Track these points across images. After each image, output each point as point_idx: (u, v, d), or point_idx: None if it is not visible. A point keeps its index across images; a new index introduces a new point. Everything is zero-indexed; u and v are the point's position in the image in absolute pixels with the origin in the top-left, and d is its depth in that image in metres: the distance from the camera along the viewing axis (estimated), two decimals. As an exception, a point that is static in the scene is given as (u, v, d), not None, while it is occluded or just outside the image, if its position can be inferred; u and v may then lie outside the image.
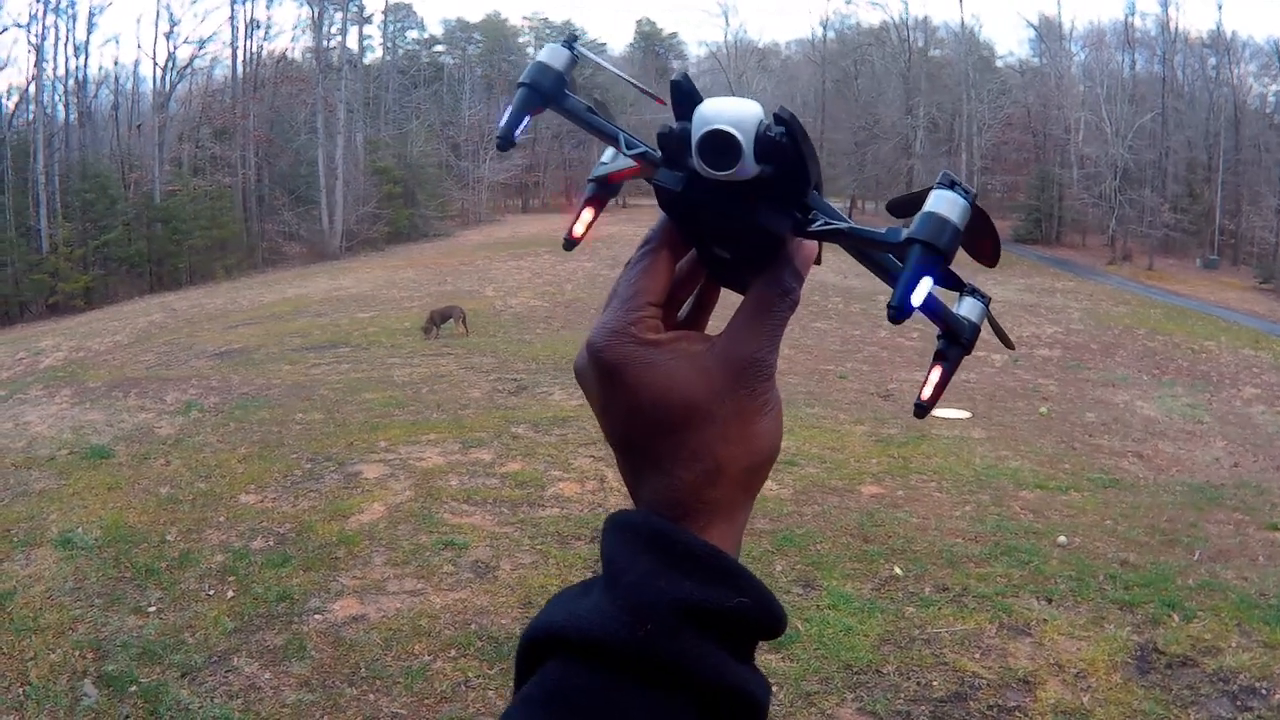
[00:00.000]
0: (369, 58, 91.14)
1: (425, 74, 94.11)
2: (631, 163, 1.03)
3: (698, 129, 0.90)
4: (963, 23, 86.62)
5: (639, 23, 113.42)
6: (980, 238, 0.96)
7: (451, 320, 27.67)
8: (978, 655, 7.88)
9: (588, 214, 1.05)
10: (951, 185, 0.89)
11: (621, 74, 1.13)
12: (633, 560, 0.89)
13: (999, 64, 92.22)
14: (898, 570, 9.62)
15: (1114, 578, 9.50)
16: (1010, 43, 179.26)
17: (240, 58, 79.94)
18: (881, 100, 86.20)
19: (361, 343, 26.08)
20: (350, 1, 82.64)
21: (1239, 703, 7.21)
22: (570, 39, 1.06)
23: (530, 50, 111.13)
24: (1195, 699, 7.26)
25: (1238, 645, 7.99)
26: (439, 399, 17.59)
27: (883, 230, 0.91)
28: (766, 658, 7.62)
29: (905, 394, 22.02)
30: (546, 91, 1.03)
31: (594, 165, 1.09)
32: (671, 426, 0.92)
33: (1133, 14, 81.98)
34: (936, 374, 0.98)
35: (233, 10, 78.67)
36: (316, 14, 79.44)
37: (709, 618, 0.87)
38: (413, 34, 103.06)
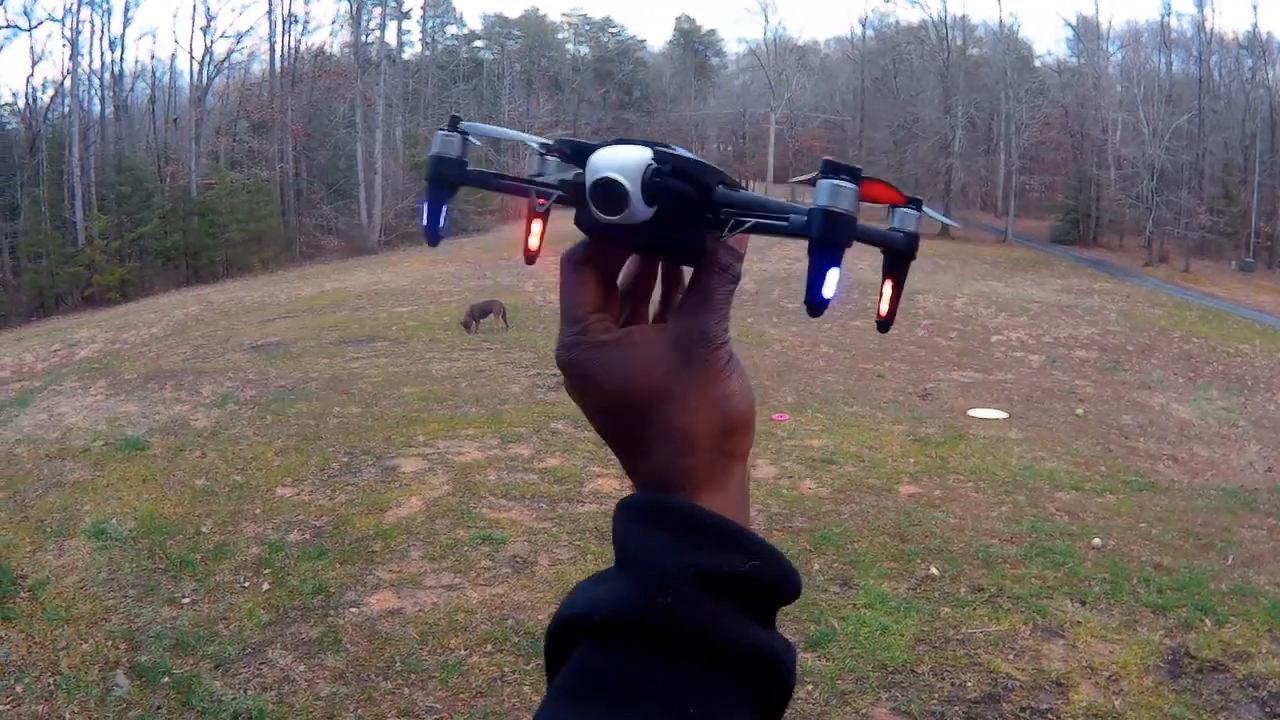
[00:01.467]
0: (408, 53, 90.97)
1: (464, 69, 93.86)
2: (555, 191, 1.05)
3: (588, 178, 0.94)
4: (1001, 22, 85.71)
5: (678, 19, 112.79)
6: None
7: (491, 315, 27.68)
8: (1011, 656, 7.92)
9: (537, 226, 1.08)
10: (835, 172, 0.92)
11: (512, 134, 1.14)
12: (642, 538, 0.92)
13: (1037, 63, 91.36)
14: (934, 570, 9.67)
15: (1147, 581, 9.51)
16: (1048, 42, 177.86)
17: (278, 52, 79.94)
18: (920, 99, 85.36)
19: (400, 337, 26.14)
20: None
21: (1268, 709, 7.22)
22: (453, 121, 1.06)
23: (569, 47, 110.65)
24: (1225, 704, 7.27)
25: (1268, 651, 8.00)
26: (478, 394, 17.65)
27: (786, 220, 0.95)
28: (802, 657, 7.70)
29: (943, 393, 22.06)
30: (451, 179, 1.05)
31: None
32: (639, 412, 0.97)
33: (1169, 14, 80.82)
34: (889, 288, 1.01)
35: (270, 5, 78.59)
36: (355, 9, 79.53)
37: (725, 584, 0.89)
38: (452, 29, 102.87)
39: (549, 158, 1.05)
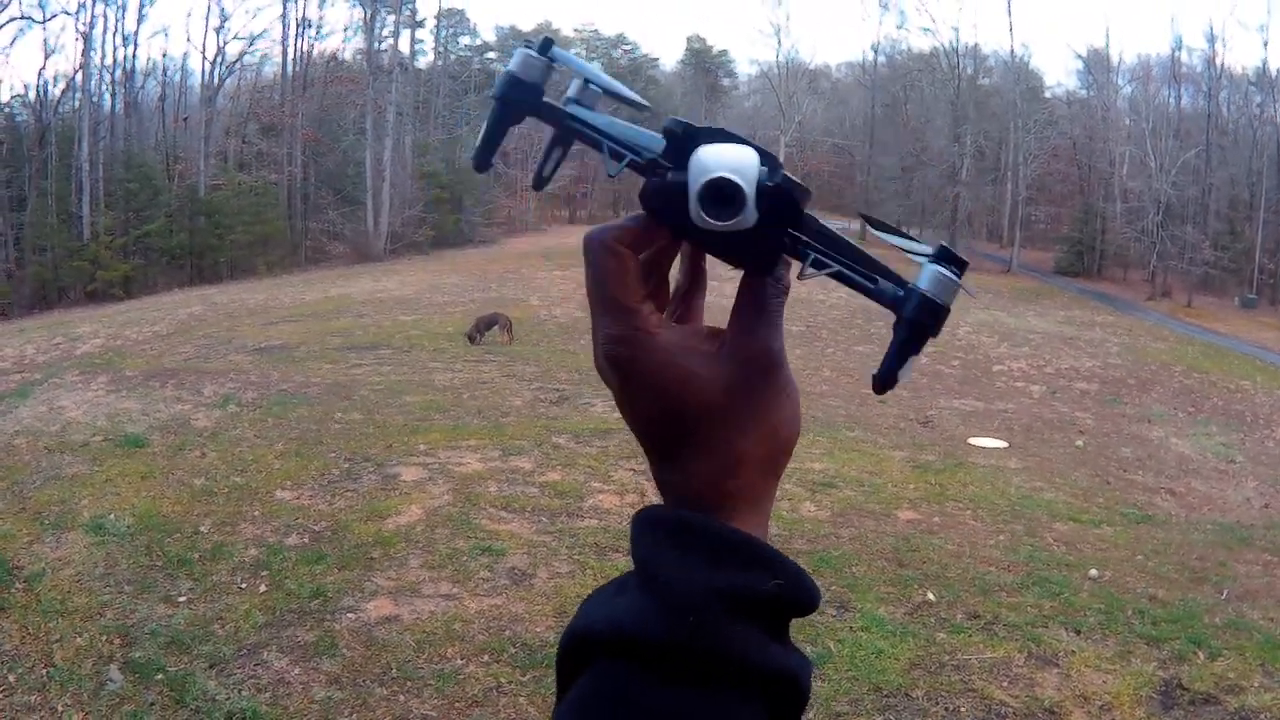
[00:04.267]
0: (420, 62, 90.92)
1: (476, 80, 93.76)
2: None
3: (697, 178, 0.89)
4: (1012, 52, 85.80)
5: (690, 39, 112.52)
6: None
7: (496, 327, 27.68)
8: (1006, 684, 7.94)
9: (555, 154, 1.04)
10: (946, 259, 0.91)
11: (609, 80, 1.03)
12: (666, 555, 0.90)
13: (1047, 94, 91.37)
14: (931, 596, 9.67)
15: (1142, 613, 9.51)
16: (1059, 73, 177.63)
17: (290, 56, 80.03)
18: (930, 127, 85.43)
19: (403, 345, 26.11)
20: (403, 5, 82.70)
21: (1259, 742, 7.30)
22: (545, 43, 1.00)
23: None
24: (1217, 736, 7.34)
25: (1260, 685, 8.03)
26: (480, 405, 17.60)
27: (874, 284, 0.93)
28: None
29: (944, 421, 22.06)
30: (521, 105, 1.00)
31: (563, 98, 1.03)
32: (690, 424, 0.94)
33: (1179, 49, 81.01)
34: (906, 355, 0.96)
35: (284, 8, 78.92)
36: (369, 16, 79.59)
37: (749, 605, 0.88)
38: (465, 40, 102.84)
39: (590, 86, 1.02)
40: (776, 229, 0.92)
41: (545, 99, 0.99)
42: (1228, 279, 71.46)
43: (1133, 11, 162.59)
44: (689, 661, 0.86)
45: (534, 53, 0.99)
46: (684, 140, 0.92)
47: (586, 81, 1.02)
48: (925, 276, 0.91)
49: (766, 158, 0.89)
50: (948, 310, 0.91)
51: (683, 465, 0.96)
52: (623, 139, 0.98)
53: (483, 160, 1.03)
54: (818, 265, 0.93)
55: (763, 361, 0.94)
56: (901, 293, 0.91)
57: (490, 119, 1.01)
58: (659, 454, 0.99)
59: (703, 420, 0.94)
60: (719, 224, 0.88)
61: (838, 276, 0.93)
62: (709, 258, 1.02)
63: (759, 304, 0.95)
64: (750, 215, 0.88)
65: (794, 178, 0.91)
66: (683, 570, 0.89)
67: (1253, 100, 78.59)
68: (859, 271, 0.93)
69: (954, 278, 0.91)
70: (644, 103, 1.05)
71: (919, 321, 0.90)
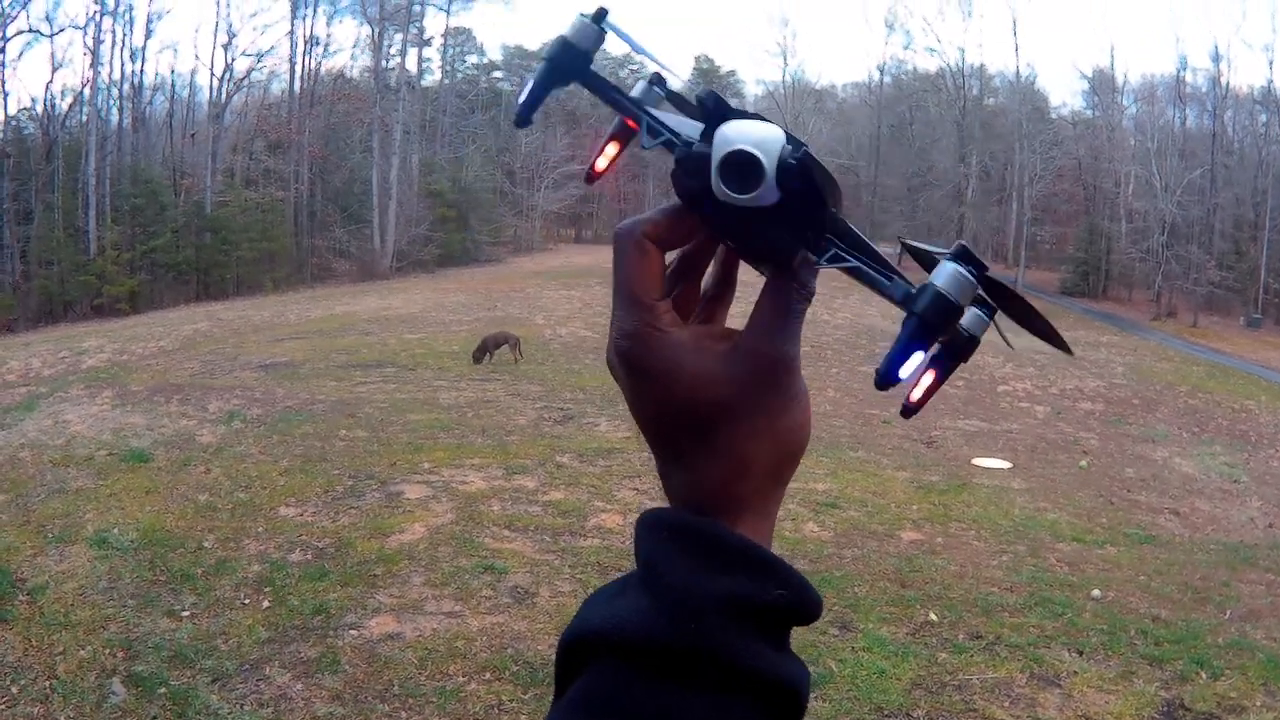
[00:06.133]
0: (427, 80, 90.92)
1: (483, 99, 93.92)
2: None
3: (719, 149, 0.88)
4: (1018, 72, 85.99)
5: (697, 59, 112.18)
6: (1027, 319, 1.00)
7: (507, 345, 27.59)
8: (1007, 704, 7.93)
9: (612, 149, 1.04)
10: (965, 258, 0.90)
11: (653, 58, 1.04)
12: (670, 558, 0.89)
13: (1052, 115, 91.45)
14: (933, 616, 9.68)
15: (1145, 633, 9.54)
16: (1064, 93, 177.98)
17: (298, 73, 79.97)
18: (935, 147, 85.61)
19: (408, 363, 26.10)
20: (411, 23, 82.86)
21: (1261, 762, 7.30)
22: (600, 13, 0.99)
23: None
24: (1219, 756, 7.34)
25: (1262, 705, 8.04)
26: (484, 424, 17.62)
27: (889, 280, 0.91)
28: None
29: (948, 441, 22.04)
30: (570, 70, 0.99)
31: (627, 95, 1.03)
32: (700, 425, 0.93)
33: (1184, 69, 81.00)
34: (929, 379, 0.95)
35: (292, 26, 78.70)
36: (376, 34, 79.73)
37: (751, 612, 0.87)
38: (472, 59, 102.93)
39: (654, 89, 1.03)
40: (799, 213, 0.91)
41: (593, 69, 0.99)
42: (1233, 299, 71.44)
43: (1138, 31, 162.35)
44: (689, 665, 0.85)
45: (590, 20, 0.99)
46: (714, 114, 0.92)
47: (650, 84, 1.03)
48: (941, 274, 0.89)
49: (793, 139, 0.88)
50: (960, 310, 0.90)
51: (690, 465, 0.94)
52: (663, 120, 0.98)
53: (523, 117, 1.02)
54: (835, 260, 0.93)
55: (775, 365, 0.92)
56: (914, 289, 0.90)
57: (537, 77, 1.01)
58: (666, 453, 0.97)
59: (715, 423, 0.92)
60: (739, 197, 0.87)
61: (854, 272, 0.93)
62: (742, 266, 1.03)
63: (779, 306, 0.93)
64: (770, 192, 0.88)
65: (818, 160, 0.90)
66: (686, 574, 0.88)
67: (1258, 119, 78.67)
68: (874, 268, 0.92)
69: (970, 277, 0.89)
70: (675, 79, 1.05)
71: (927, 317, 0.88)
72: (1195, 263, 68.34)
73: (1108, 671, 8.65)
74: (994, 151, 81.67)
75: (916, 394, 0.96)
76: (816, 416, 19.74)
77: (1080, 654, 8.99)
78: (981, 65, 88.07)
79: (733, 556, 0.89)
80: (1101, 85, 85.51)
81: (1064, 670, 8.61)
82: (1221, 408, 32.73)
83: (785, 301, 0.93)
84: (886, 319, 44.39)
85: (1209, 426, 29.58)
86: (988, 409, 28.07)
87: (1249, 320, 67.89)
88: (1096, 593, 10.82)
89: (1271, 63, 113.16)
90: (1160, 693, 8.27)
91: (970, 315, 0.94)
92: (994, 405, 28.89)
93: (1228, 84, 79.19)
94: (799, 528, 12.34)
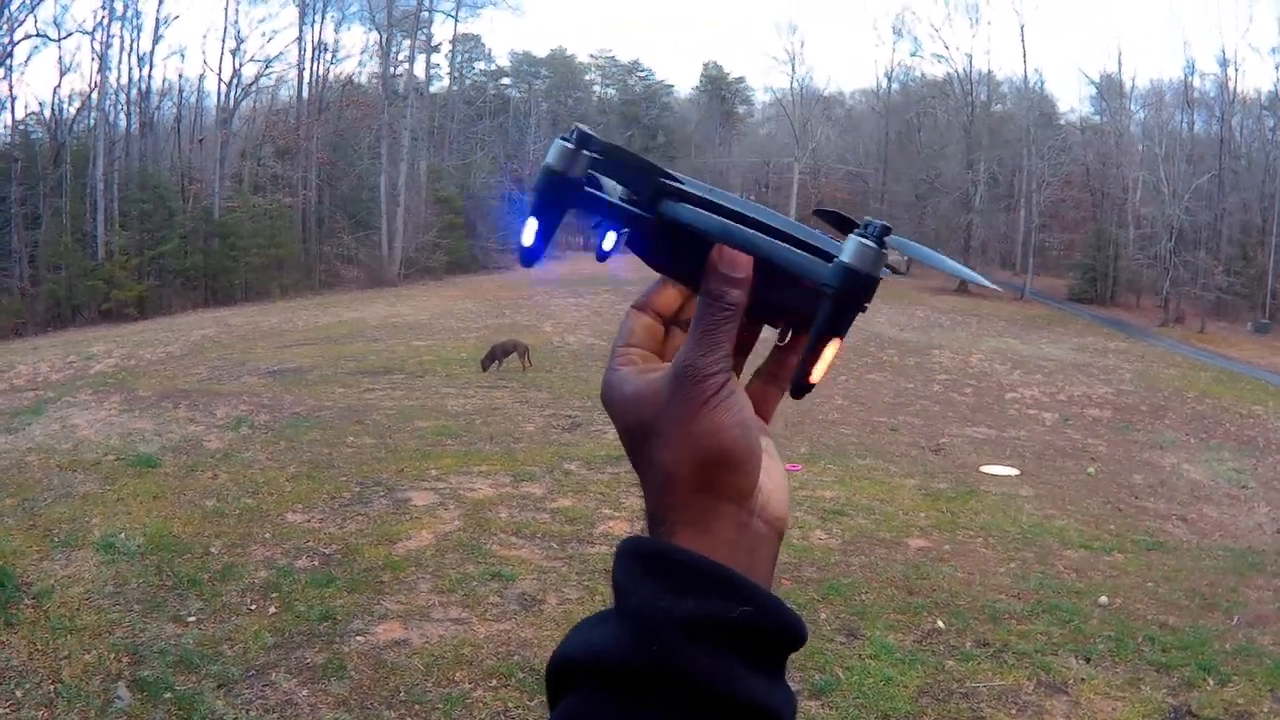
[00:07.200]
0: (435, 86, 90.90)
1: (491, 105, 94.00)
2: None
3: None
4: (1025, 78, 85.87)
5: (706, 66, 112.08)
6: None
7: (516, 353, 27.61)
8: (1015, 711, 7.92)
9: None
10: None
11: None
12: (636, 583, 0.90)
13: (1060, 120, 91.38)
14: (940, 623, 9.67)
15: (1153, 639, 9.51)
16: (1072, 99, 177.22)
17: (306, 79, 79.80)
18: (943, 153, 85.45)
19: (416, 370, 26.18)
20: (419, 30, 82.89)
21: (1270, 768, 7.28)
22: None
23: (596, 89, 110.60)
24: (1227, 763, 7.33)
25: (1270, 711, 8.02)
26: (492, 431, 17.67)
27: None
28: (806, 705, 7.73)
29: (956, 449, 22.06)
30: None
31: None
32: (636, 445, 0.96)
33: (1192, 74, 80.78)
34: (831, 350, 0.93)
35: (300, 32, 78.59)
36: (384, 41, 79.61)
37: (716, 631, 0.87)
38: (480, 65, 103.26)
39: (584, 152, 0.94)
40: (680, 237, 0.95)
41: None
42: (1241, 304, 71.20)
43: (1145, 36, 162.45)
44: (658, 690, 0.86)
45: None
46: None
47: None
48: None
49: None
50: (875, 284, 0.89)
51: (643, 485, 0.97)
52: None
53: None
54: (656, 195, 0.96)
55: (684, 374, 0.92)
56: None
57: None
58: (639, 477, 0.99)
59: (643, 437, 0.95)
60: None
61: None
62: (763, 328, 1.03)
63: (696, 320, 0.94)
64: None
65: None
66: (650, 598, 0.88)
67: (1266, 124, 78.32)
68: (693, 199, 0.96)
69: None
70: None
71: (839, 301, 0.88)
72: (1203, 268, 68.04)
73: (1115, 678, 8.63)
74: (1002, 158, 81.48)
75: (818, 370, 0.94)
76: (824, 424, 19.74)
77: (1088, 661, 8.97)
78: (989, 71, 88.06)
79: (694, 576, 0.89)
80: (1109, 90, 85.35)
81: (1071, 677, 8.58)
82: (1229, 413, 32.65)
83: (701, 314, 0.93)
84: (893, 326, 44.48)
85: (1217, 432, 29.52)
86: (996, 416, 28.07)
87: (1257, 326, 67.67)
88: (1104, 599, 10.80)
89: (1278, 66, 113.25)
90: (1168, 699, 8.26)
91: (855, 244, 0.91)
92: (1002, 413, 28.89)
93: (1235, 88, 78.98)
94: (806, 535, 12.35)
